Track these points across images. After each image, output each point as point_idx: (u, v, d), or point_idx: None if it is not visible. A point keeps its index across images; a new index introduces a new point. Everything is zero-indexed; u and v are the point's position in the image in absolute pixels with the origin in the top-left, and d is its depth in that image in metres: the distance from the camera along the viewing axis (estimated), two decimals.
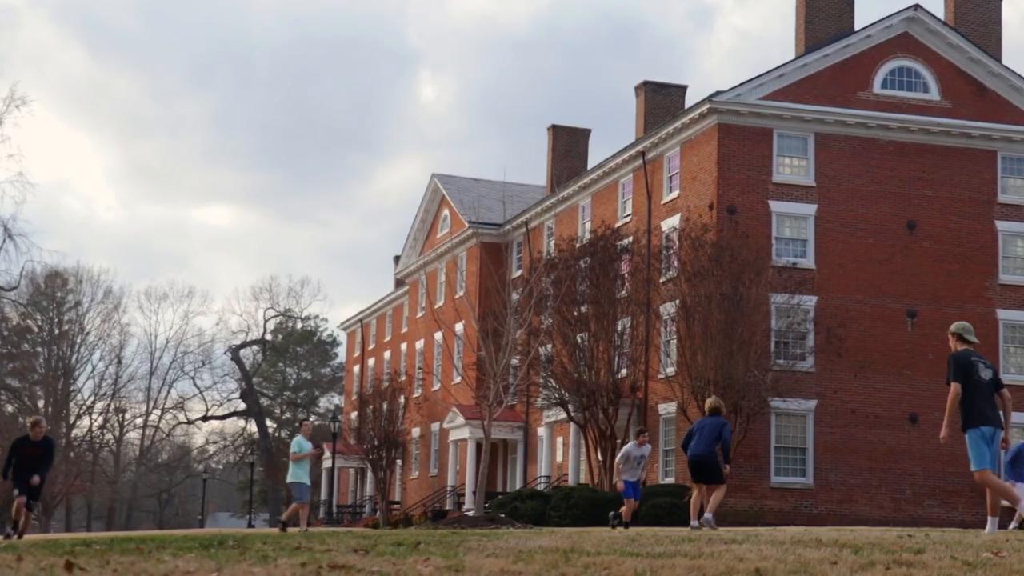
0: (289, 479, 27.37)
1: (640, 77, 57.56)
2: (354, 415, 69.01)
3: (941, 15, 46.07)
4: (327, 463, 72.15)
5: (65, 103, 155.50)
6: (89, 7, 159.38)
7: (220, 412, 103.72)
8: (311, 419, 29.19)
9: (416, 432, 65.22)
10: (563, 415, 45.56)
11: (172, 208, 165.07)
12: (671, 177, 45.72)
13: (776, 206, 42.65)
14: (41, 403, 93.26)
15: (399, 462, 64.67)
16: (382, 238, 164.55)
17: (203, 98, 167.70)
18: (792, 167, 43.24)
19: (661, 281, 43.35)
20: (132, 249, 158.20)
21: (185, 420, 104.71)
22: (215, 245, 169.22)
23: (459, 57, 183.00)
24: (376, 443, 60.06)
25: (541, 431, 52.23)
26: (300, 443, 27.05)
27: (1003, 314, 43.77)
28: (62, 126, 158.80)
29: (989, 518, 14.76)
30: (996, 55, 45.65)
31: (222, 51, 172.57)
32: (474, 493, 46.01)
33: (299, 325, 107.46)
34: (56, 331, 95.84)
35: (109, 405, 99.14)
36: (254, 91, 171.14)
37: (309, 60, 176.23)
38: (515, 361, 44.62)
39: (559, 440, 51.45)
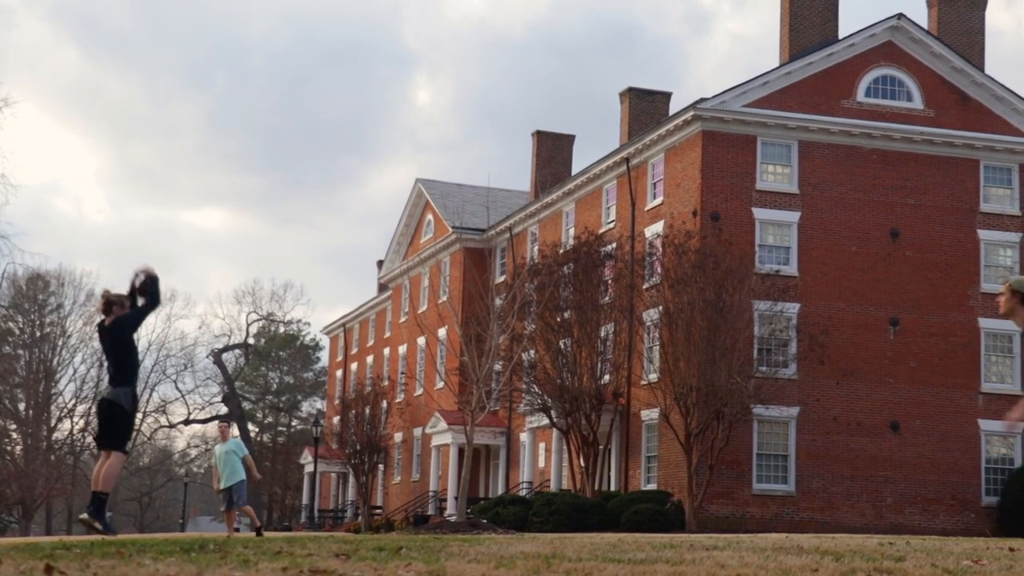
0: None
1: (636, 82, 57.71)
2: (336, 420, 68.91)
3: (925, 24, 46.26)
4: (309, 467, 72.02)
5: (58, 103, 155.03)
6: (84, 7, 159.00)
7: (202, 416, 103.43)
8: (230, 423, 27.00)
9: (398, 437, 65.15)
10: (545, 421, 45.55)
11: (164, 211, 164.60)
12: (655, 184, 45.79)
13: (760, 213, 42.73)
14: (22, 406, 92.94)
15: (381, 467, 64.60)
16: (374, 242, 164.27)
17: (198, 100, 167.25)
18: (776, 174, 43.34)
19: (644, 287, 43.39)
20: (121, 252, 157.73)
21: (167, 423, 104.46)
22: (206, 248, 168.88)
23: (454, 61, 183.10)
24: (358, 448, 59.99)
25: (523, 437, 52.22)
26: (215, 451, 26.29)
27: (985, 323, 43.92)
28: (55, 127, 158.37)
29: None
30: (979, 65, 45.83)
31: (218, 53, 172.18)
32: (456, 498, 45.96)
33: (282, 329, 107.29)
34: (38, 334, 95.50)
35: (91, 408, 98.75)
36: (249, 93, 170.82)
37: (305, 63, 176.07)
38: (498, 367, 44.59)
39: (541, 446, 51.44)
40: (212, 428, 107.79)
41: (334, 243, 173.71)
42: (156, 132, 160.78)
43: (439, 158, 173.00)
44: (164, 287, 15.03)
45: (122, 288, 15.31)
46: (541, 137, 60.96)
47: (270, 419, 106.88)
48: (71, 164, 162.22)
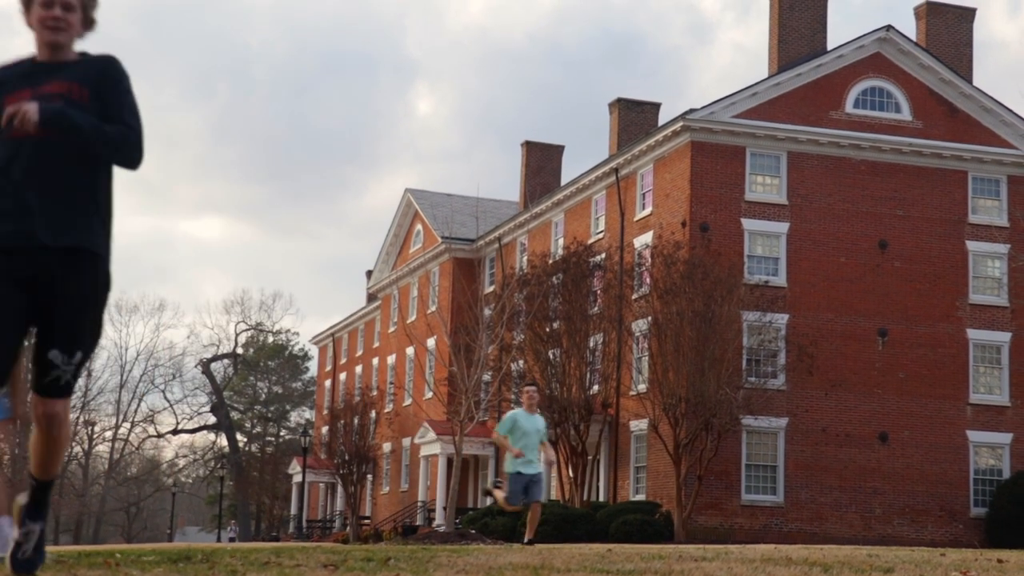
0: (506, 467, 19.03)
1: (638, 93, 57.87)
2: (325, 430, 68.83)
3: (913, 36, 46.39)
4: (297, 477, 71.90)
5: None
6: None
7: (190, 426, 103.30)
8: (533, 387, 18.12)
9: (387, 447, 65.08)
10: None
11: (161, 220, 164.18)
12: (644, 194, 45.84)
13: (748, 224, 42.79)
14: None
15: (370, 477, 64.52)
16: (369, 252, 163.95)
17: (199, 110, 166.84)
18: (765, 185, 43.41)
19: (633, 298, 43.41)
20: (117, 262, 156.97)
21: (155, 433, 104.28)
22: (202, 258, 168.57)
23: (456, 71, 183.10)
24: (347, 458, 59.91)
25: None
26: (510, 418, 18.81)
27: (973, 334, 44.01)
28: None
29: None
30: (967, 76, 45.98)
31: (219, 63, 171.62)
32: (445, 508, 45.93)
33: (271, 339, 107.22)
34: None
35: (78, 418, 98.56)
36: (250, 103, 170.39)
37: (306, 73, 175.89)
38: (487, 377, 44.58)
39: None
40: (201, 438, 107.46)
41: (331, 253, 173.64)
42: (156, 141, 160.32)
43: (439, 168, 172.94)
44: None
45: None
46: (530, 147, 61.03)
47: (258, 429, 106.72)
48: None
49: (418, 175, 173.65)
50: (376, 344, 71.32)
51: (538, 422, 18.60)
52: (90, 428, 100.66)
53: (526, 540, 18.05)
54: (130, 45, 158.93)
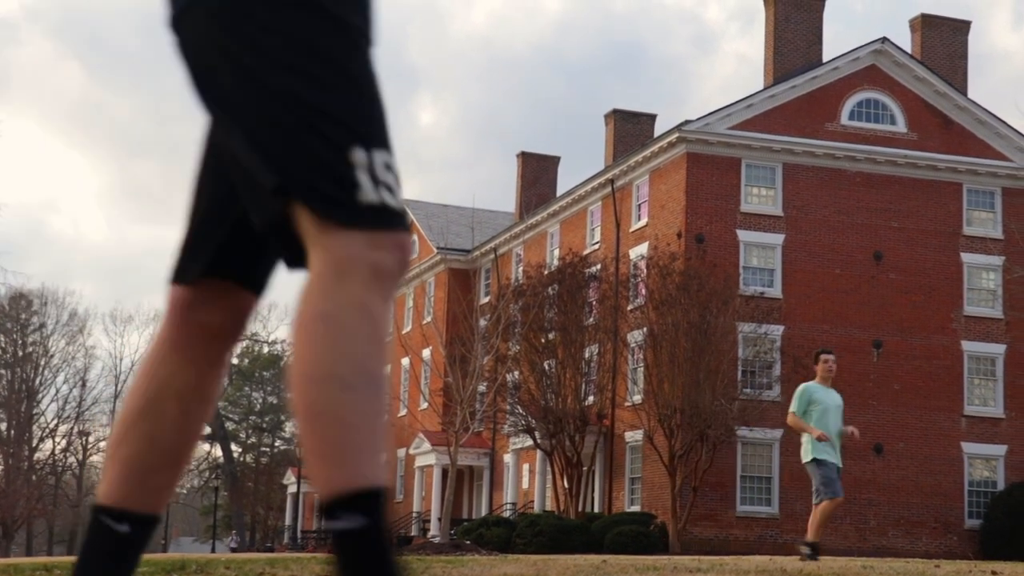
0: (804, 457, 15.88)
1: (640, 103, 57.87)
2: None
3: (908, 48, 46.48)
4: (292, 488, 71.79)
5: (61, 121, 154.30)
6: (89, 25, 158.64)
7: None
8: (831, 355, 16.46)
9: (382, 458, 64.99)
10: (529, 442, 45.50)
11: (163, 230, 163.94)
12: (640, 205, 45.86)
13: (744, 235, 42.81)
14: (3, 426, 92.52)
15: None
16: None
17: (201, 119, 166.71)
18: (760, 197, 43.44)
19: (629, 309, 43.41)
20: (118, 271, 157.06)
21: None
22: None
23: (459, 80, 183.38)
24: None
25: (507, 458, 52.15)
26: (804, 393, 16.06)
27: (968, 346, 44.02)
28: (56, 144, 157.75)
29: None
30: (962, 88, 46.05)
31: None
32: (439, 519, 45.84)
33: (266, 349, 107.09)
34: (20, 353, 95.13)
35: (73, 428, 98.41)
36: None
37: None
38: (482, 387, 44.54)
39: (525, 467, 51.36)
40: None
41: None
42: (158, 151, 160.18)
43: (441, 178, 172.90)
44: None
45: None
46: (526, 158, 61.03)
47: (253, 439, 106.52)
48: (71, 182, 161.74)
49: (420, 185, 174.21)
50: None
51: (838, 398, 15.93)
52: (84, 438, 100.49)
53: (809, 543, 15.33)
54: (134, 55, 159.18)
